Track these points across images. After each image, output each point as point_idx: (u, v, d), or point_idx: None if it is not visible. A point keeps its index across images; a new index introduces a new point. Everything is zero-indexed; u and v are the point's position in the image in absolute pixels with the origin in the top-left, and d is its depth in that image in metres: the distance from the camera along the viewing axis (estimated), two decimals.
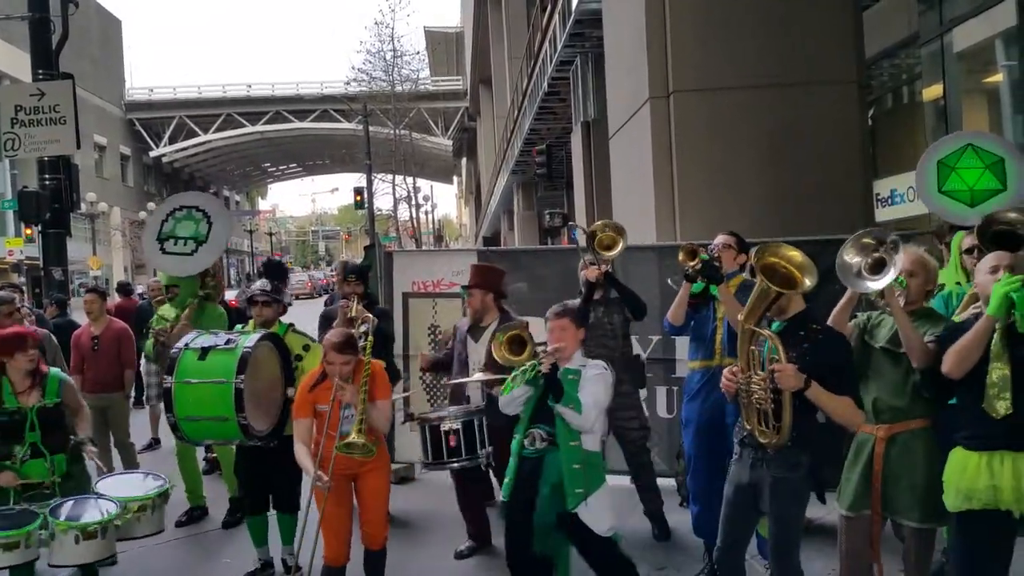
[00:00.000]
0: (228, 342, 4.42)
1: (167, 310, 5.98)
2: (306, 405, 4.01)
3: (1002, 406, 2.93)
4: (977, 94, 9.24)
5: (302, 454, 3.97)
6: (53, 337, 6.65)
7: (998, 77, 8.68)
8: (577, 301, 4.07)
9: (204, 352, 4.36)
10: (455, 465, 4.51)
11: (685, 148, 6.92)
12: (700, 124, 6.93)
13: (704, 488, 4.36)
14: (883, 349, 3.41)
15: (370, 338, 4.25)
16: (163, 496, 4.30)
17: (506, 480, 3.80)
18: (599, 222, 5.09)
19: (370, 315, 4.58)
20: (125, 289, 11.11)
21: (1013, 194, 4.51)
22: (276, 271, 5.26)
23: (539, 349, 3.80)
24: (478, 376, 4.63)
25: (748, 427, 3.28)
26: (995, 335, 2.97)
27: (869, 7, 9.61)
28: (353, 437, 3.76)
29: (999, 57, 8.59)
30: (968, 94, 9.20)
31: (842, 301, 3.57)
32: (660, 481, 5.25)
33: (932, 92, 9.54)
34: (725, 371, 3.35)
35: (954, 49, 8.93)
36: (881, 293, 3.32)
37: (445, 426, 4.45)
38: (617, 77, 8.64)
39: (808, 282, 3.21)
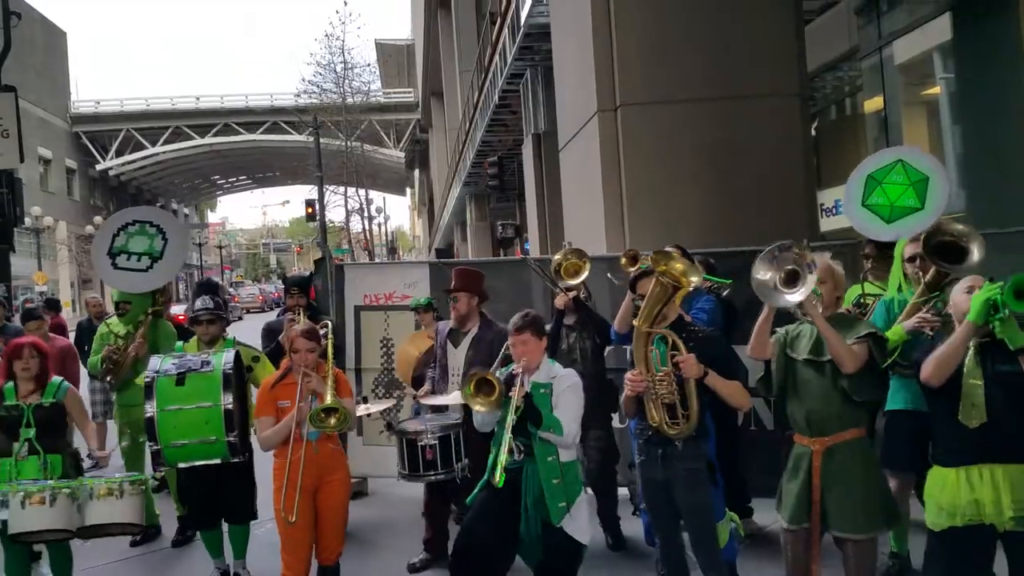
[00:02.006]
0: (204, 364, 4.40)
1: (117, 326, 5.87)
2: (269, 403, 4.06)
3: (976, 416, 3.00)
4: (917, 106, 9.56)
5: (278, 429, 4.02)
6: None
7: (936, 89, 9.00)
8: (534, 312, 4.11)
9: (181, 377, 4.33)
10: (432, 478, 4.54)
11: (633, 160, 7.04)
12: (647, 137, 7.06)
13: None
14: (806, 361, 3.49)
15: (331, 336, 4.33)
16: (136, 483, 4.23)
17: (480, 484, 3.78)
18: (560, 252, 5.09)
19: (325, 320, 4.61)
20: (53, 306, 10.78)
21: (929, 215, 4.59)
22: (210, 289, 5.27)
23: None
24: (450, 399, 4.67)
25: (654, 424, 3.51)
26: (970, 348, 3.05)
27: (811, 21, 9.91)
28: (329, 400, 3.82)
29: (937, 70, 8.90)
30: (908, 106, 9.53)
31: (760, 320, 3.64)
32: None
33: (873, 104, 9.86)
34: (628, 375, 3.56)
35: (894, 62, 9.25)
36: (800, 305, 3.44)
37: (422, 441, 4.48)
38: (566, 90, 8.76)
39: (694, 279, 3.53)
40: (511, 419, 3.57)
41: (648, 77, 7.06)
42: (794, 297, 3.39)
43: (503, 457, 3.51)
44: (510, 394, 3.61)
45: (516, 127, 16.62)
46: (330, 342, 4.29)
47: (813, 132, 10.28)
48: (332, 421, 3.83)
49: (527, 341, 3.79)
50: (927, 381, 3.13)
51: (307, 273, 6.53)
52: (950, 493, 3.06)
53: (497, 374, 3.72)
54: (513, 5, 12.35)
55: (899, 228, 4.68)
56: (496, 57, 15.06)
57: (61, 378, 4.59)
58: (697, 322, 4.07)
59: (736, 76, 7.07)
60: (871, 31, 9.47)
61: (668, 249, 3.66)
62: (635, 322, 3.56)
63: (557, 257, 5.05)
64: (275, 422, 4.04)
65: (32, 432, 4.28)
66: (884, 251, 4.74)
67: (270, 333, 5.98)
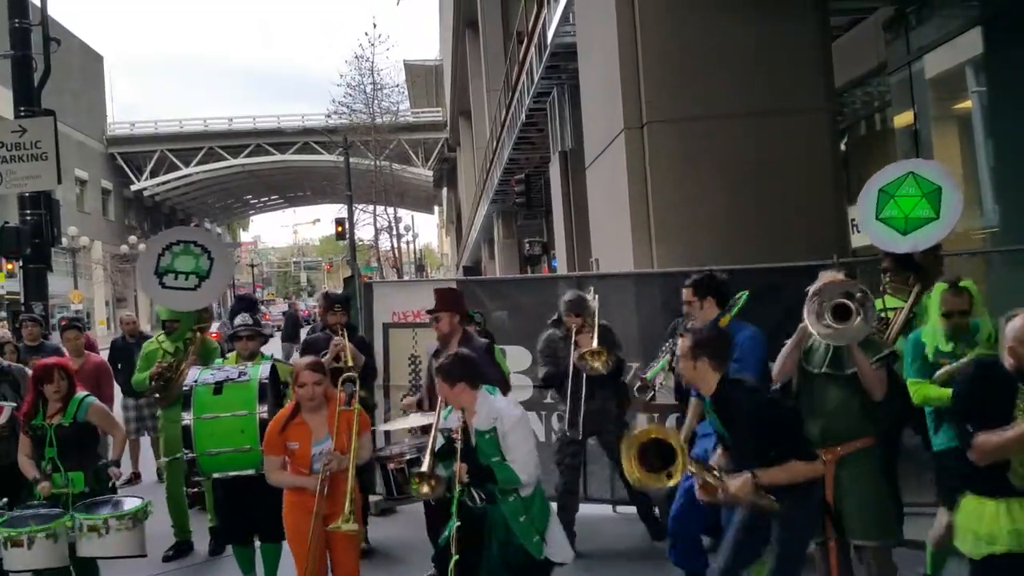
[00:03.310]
0: (241, 375, 4.52)
1: (166, 343, 5.98)
2: (278, 444, 4.03)
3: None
4: (948, 120, 9.46)
5: (286, 478, 4.02)
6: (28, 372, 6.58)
7: (968, 103, 8.90)
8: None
9: (218, 386, 4.45)
10: (404, 502, 4.56)
11: (660, 177, 7.04)
12: (674, 153, 7.06)
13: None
14: (824, 374, 3.48)
15: (357, 395, 4.17)
16: (123, 518, 4.25)
17: (445, 534, 3.71)
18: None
19: (354, 373, 4.46)
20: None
21: (945, 224, 4.55)
22: (249, 306, 5.38)
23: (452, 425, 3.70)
24: (409, 421, 4.70)
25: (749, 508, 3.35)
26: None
27: (839, 37, 9.87)
28: (342, 527, 3.77)
29: (969, 83, 8.81)
30: (939, 120, 9.42)
31: (789, 346, 3.64)
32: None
33: (903, 119, 9.76)
34: (697, 492, 3.43)
35: (924, 76, 9.17)
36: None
37: (391, 464, 4.51)
38: (592, 108, 8.80)
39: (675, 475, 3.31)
40: (457, 495, 3.52)
41: (675, 94, 7.07)
42: (840, 332, 3.34)
43: (452, 559, 3.47)
44: (453, 469, 3.51)
45: (543, 145, 16.68)
46: (355, 403, 4.13)
47: (842, 148, 10.20)
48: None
49: (462, 392, 3.64)
50: (978, 461, 2.95)
51: (344, 292, 6.64)
52: (988, 524, 3.00)
53: (443, 415, 3.68)
54: (540, 24, 12.45)
55: (916, 239, 4.67)
56: (523, 76, 15.16)
57: (85, 393, 4.66)
58: (739, 370, 3.81)
59: (763, 92, 7.06)
60: (900, 46, 9.40)
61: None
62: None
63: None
64: (282, 462, 4.04)
65: (53, 451, 4.40)
66: (902, 264, 4.72)
67: (308, 348, 6.02)
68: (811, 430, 3.51)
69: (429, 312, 5.11)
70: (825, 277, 3.71)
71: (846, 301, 3.37)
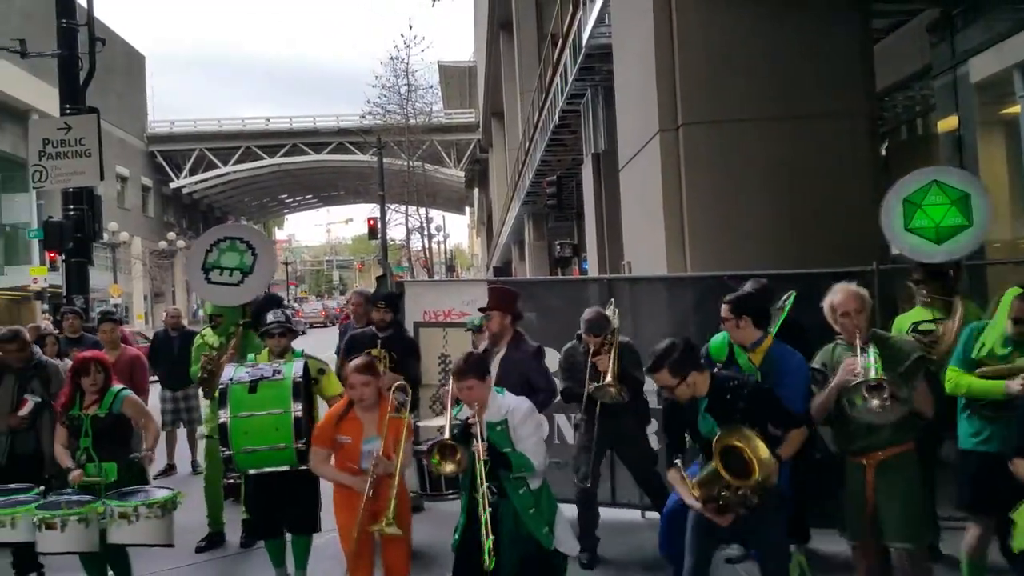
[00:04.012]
0: (275, 373, 4.58)
1: (211, 337, 6.07)
2: (329, 437, 4.08)
3: None
4: (994, 126, 9.25)
5: (332, 473, 4.07)
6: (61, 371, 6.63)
7: (1016, 108, 8.69)
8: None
9: (253, 385, 4.52)
10: (437, 498, 4.56)
11: (695, 180, 6.98)
12: (709, 156, 7.00)
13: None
14: (858, 383, 3.45)
15: (401, 402, 4.22)
16: (152, 506, 4.33)
17: (455, 535, 3.81)
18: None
19: (401, 383, 4.43)
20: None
21: (979, 229, 4.47)
22: (278, 303, 5.56)
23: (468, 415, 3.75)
24: (442, 420, 4.69)
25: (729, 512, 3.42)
26: None
27: (880, 39, 9.70)
28: (384, 528, 3.80)
29: (1016, 88, 8.60)
30: (984, 126, 9.22)
31: (826, 393, 3.63)
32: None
33: (947, 124, 9.57)
34: (705, 512, 3.45)
35: (969, 80, 8.98)
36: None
37: (425, 460, 4.50)
38: (627, 110, 8.76)
39: (760, 477, 3.27)
40: (481, 473, 3.55)
41: (711, 96, 7.01)
42: (874, 404, 3.38)
43: (488, 543, 3.46)
44: (473, 448, 3.59)
45: (575, 147, 16.63)
46: (404, 412, 4.20)
47: (883, 152, 10.03)
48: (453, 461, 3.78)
49: (472, 387, 3.73)
50: None
51: (376, 291, 6.70)
52: None
53: (454, 413, 3.74)
54: (575, 26, 12.42)
55: (951, 248, 4.60)
56: (557, 77, 15.13)
57: (120, 387, 4.77)
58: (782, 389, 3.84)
59: (802, 95, 6.97)
60: (944, 49, 9.22)
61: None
62: (690, 493, 3.47)
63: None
64: (329, 455, 4.09)
65: (88, 441, 4.53)
66: (933, 275, 4.64)
67: (354, 346, 6.00)
68: (851, 435, 3.52)
69: (481, 310, 5.11)
70: (839, 291, 3.68)
71: (885, 384, 3.37)
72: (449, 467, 3.61)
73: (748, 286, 4.82)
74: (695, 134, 7.00)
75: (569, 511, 5.00)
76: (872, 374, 3.36)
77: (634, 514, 6.02)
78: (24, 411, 5.08)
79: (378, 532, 3.83)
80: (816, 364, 3.72)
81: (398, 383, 4.25)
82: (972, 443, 3.90)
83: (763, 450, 3.27)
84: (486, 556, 3.42)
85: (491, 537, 3.46)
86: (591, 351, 4.92)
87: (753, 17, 7.03)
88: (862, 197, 6.95)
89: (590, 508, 5.18)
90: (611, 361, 4.77)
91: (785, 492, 4.05)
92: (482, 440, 3.60)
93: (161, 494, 4.46)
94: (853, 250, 6.16)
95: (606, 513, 5.46)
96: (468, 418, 3.72)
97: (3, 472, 4.97)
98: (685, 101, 7.03)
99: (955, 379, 3.84)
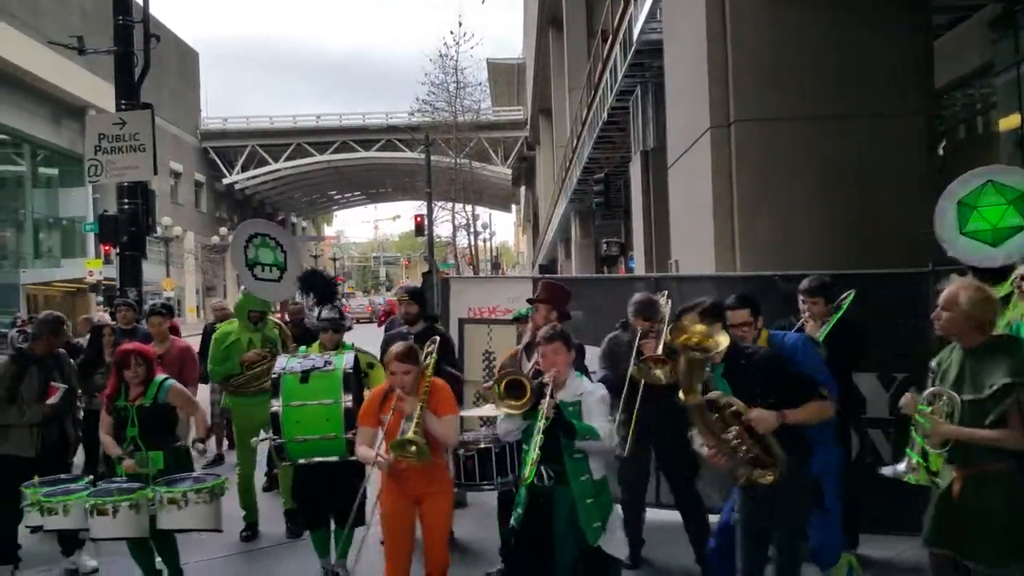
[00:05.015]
0: (327, 364, 4.66)
1: (238, 330, 6.14)
2: (372, 414, 4.14)
3: None
4: None
5: (362, 450, 4.12)
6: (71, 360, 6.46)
7: None
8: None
9: (305, 375, 4.59)
10: (472, 488, 4.64)
11: (746, 178, 6.85)
12: (761, 154, 6.86)
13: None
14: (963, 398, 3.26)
15: (433, 357, 4.37)
16: (201, 492, 4.42)
17: (516, 510, 3.78)
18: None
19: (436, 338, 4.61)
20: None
21: None
22: (325, 288, 5.73)
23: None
24: (484, 411, 4.68)
25: (744, 484, 3.42)
26: None
27: (940, 36, 9.41)
28: (409, 435, 3.83)
29: None
30: None
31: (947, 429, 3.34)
32: None
33: (1009, 122, 9.25)
34: (705, 451, 3.47)
35: None
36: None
37: (460, 451, 4.52)
38: (677, 106, 8.64)
39: (722, 341, 3.35)
40: (540, 427, 3.55)
41: (764, 93, 6.87)
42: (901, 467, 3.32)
43: (534, 454, 3.52)
44: (539, 405, 3.59)
45: (624, 144, 16.50)
46: (431, 362, 4.29)
47: (941, 152, 9.73)
48: (412, 450, 3.85)
49: (558, 351, 3.77)
50: None
51: (421, 287, 6.76)
52: None
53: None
54: (626, 22, 12.31)
55: (1009, 250, 4.42)
56: (606, 74, 15.03)
57: (164, 376, 4.85)
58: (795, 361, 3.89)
59: (857, 93, 6.79)
60: (1007, 45, 8.90)
61: (684, 321, 3.46)
62: (681, 397, 3.41)
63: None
64: (374, 435, 4.12)
65: (135, 431, 4.61)
66: (989, 279, 4.45)
67: (389, 346, 6.03)
68: (943, 450, 3.31)
69: (530, 301, 5.08)
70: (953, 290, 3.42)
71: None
72: (509, 405, 3.61)
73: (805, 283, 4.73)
74: (747, 131, 6.87)
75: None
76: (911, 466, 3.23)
77: (678, 516, 5.93)
78: (55, 399, 5.18)
79: (398, 451, 3.83)
80: (933, 363, 3.47)
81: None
82: None
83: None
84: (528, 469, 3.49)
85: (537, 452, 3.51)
86: (638, 335, 4.76)
87: (809, 12, 6.87)
88: (919, 197, 6.75)
89: (636, 508, 5.10)
90: (659, 346, 4.59)
91: (831, 503, 3.97)
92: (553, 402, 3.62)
93: (209, 480, 4.56)
94: (907, 251, 5.98)
95: (650, 514, 5.37)
96: (544, 378, 3.72)
97: (34, 462, 5.08)
98: (737, 98, 6.90)
99: None
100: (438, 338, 4.78)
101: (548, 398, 3.61)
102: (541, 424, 3.56)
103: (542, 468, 3.66)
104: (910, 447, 3.31)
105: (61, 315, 5.64)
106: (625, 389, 4.74)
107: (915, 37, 6.99)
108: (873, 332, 4.77)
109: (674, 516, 5.86)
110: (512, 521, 3.79)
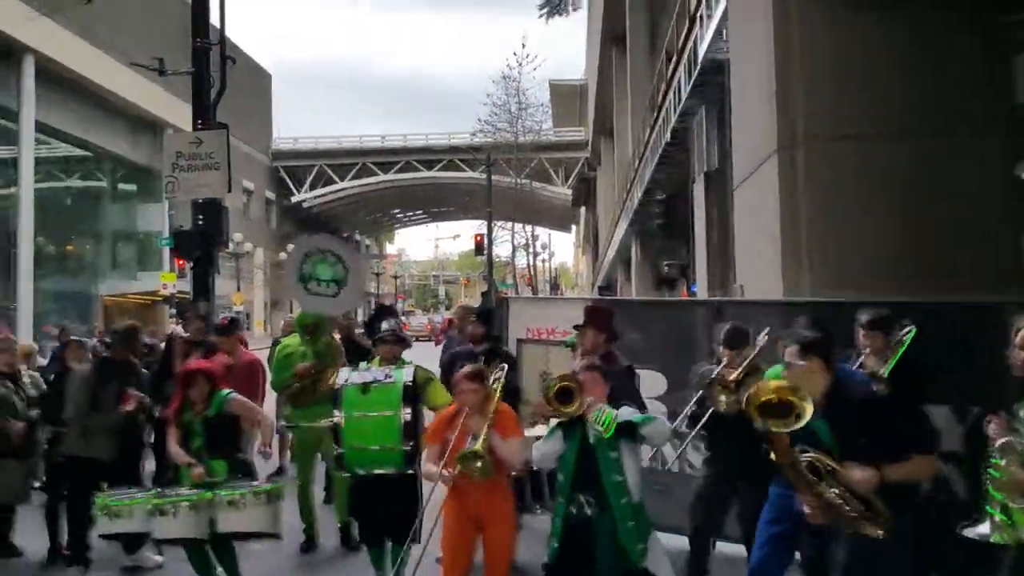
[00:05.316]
0: (387, 377, 4.76)
1: (297, 345, 6.27)
2: (439, 433, 4.22)
3: None
4: None
5: (428, 467, 4.20)
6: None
7: None
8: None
9: (366, 387, 4.70)
10: (523, 511, 4.59)
11: (815, 200, 6.68)
12: (832, 175, 6.69)
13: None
14: None
15: (501, 382, 4.42)
16: (259, 495, 4.54)
17: (552, 544, 3.76)
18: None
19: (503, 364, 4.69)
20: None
21: None
22: (392, 313, 5.97)
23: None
24: (536, 431, 4.64)
25: (850, 531, 3.15)
26: None
27: None
28: (476, 447, 3.89)
29: None
30: None
31: None
32: None
33: None
34: (804, 507, 3.23)
35: None
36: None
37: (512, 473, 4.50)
38: (742, 127, 8.51)
39: (808, 409, 2.97)
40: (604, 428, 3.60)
41: (834, 112, 6.70)
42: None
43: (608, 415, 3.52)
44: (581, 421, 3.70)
45: (686, 165, 16.33)
46: (499, 386, 4.36)
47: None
48: (477, 464, 3.89)
49: (596, 380, 3.86)
50: None
51: (480, 306, 6.82)
52: None
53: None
54: (691, 42, 12.22)
55: None
56: (670, 94, 14.93)
57: (228, 390, 4.98)
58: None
59: (932, 109, 6.57)
60: None
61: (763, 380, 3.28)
62: (773, 457, 3.21)
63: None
64: (441, 452, 4.16)
65: (200, 441, 4.76)
66: None
67: (455, 362, 6.05)
68: None
69: (575, 327, 5.06)
70: None
71: None
72: (557, 408, 3.71)
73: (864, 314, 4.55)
74: (817, 152, 6.71)
75: (671, 541, 4.86)
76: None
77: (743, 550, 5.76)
78: (130, 406, 5.36)
79: (464, 463, 3.89)
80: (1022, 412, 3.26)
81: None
82: None
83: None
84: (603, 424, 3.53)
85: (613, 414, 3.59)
86: (721, 365, 4.65)
87: (879, 27, 6.70)
88: (1001, 222, 6.49)
89: (702, 539, 4.96)
90: (737, 373, 4.45)
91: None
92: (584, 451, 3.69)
93: (266, 484, 4.70)
94: (988, 278, 5.74)
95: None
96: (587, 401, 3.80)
97: (110, 466, 5.25)
98: (806, 117, 6.76)
99: None
100: (506, 366, 4.77)
101: (581, 394, 3.73)
102: (600, 430, 3.60)
103: (580, 497, 3.67)
104: (989, 505, 3.14)
105: (136, 324, 5.85)
106: (704, 420, 4.71)
107: (993, 49, 6.74)
108: (947, 361, 4.57)
109: (737, 549, 5.70)
110: (548, 556, 3.78)
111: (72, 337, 6.74)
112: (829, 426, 3.19)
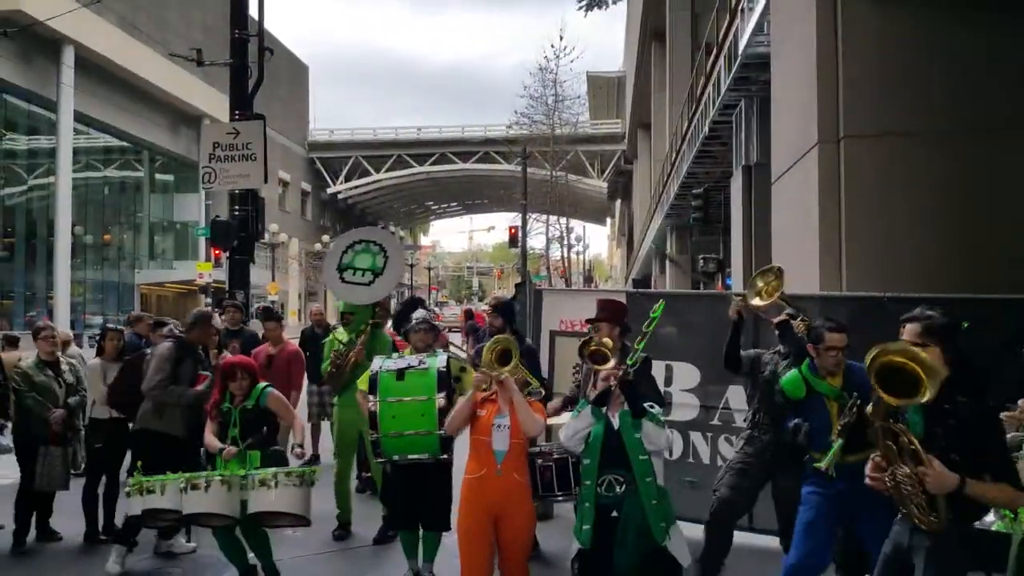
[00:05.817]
0: (421, 363, 4.82)
1: (341, 334, 6.34)
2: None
3: None
4: None
5: (458, 407, 4.32)
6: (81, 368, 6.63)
7: None
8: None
9: (400, 373, 4.76)
10: (546, 499, 4.62)
11: (855, 196, 6.56)
12: (873, 171, 6.56)
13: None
14: None
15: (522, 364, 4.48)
16: (291, 475, 4.59)
17: (583, 527, 3.76)
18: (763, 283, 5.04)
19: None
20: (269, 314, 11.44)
21: None
22: (422, 304, 6.11)
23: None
24: (560, 419, 4.65)
25: (903, 511, 2.97)
26: None
27: None
28: (512, 364, 4.09)
29: None
30: None
31: None
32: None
33: None
34: (868, 468, 3.03)
35: None
36: None
37: (540, 460, 4.49)
38: (783, 121, 8.38)
39: (930, 392, 2.73)
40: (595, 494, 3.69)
41: (877, 107, 6.57)
42: None
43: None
44: (606, 410, 3.78)
45: (725, 159, 16.14)
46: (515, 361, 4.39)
47: None
48: (506, 366, 4.05)
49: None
50: None
51: (514, 298, 6.80)
52: None
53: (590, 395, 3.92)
54: (731, 35, 12.06)
55: None
56: (709, 87, 14.75)
57: (266, 384, 5.08)
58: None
59: (977, 106, 6.41)
60: None
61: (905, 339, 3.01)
62: (868, 410, 3.07)
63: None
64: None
65: (236, 431, 4.84)
66: None
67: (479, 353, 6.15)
68: None
69: (589, 321, 5.04)
70: None
71: None
72: (603, 364, 3.86)
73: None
74: (858, 147, 6.59)
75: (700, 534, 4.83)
76: None
77: (772, 541, 5.69)
78: (204, 386, 5.46)
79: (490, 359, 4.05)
80: None
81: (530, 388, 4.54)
82: None
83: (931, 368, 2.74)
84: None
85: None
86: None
87: (925, 21, 6.54)
88: None
89: (723, 532, 4.91)
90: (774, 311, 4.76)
91: None
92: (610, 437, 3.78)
93: (300, 467, 4.75)
94: None
95: (740, 537, 5.16)
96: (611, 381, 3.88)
97: (181, 442, 5.35)
98: (848, 112, 6.63)
99: None
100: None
101: (611, 367, 3.87)
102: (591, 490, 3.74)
103: (611, 477, 3.72)
104: None
105: (208, 310, 5.99)
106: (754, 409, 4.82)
107: None
108: (994, 361, 4.46)
109: (766, 541, 5.64)
110: (579, 541, 3.76)
111: (109, 326, 6.86)
112: (925, 423, 2.96)
